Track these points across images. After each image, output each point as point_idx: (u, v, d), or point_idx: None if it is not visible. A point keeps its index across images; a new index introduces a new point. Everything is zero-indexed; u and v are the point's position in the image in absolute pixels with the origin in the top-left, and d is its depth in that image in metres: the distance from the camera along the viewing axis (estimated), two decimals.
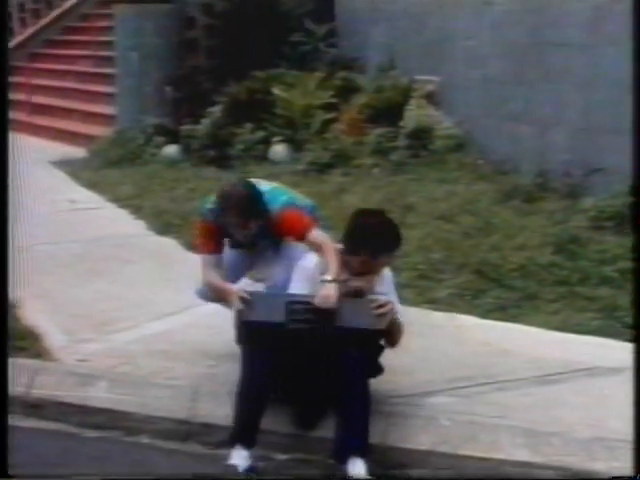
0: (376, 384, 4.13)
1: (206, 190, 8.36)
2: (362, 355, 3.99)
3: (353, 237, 4.07)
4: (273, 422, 4.15)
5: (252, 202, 4.39)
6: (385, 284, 4.23)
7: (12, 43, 14.88)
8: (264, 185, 4.60)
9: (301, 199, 4.74)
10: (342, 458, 3.84)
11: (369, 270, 4.11)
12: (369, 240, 4.03)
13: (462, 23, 8.96)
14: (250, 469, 3.89)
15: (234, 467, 3.86)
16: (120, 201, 8.33)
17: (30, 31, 15.23)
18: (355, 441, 3.84)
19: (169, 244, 6.99)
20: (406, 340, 4.22)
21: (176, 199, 8.19)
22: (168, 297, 5.82)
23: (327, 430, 4.04)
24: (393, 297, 4.20)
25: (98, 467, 4.02)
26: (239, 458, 3.89)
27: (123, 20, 11.16)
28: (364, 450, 3.83)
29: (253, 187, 4.48)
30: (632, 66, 4.83)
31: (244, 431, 3.97)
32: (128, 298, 5.82)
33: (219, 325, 4.98)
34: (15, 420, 4.55)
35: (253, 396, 4.01)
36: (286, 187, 4.79)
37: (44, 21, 15.54)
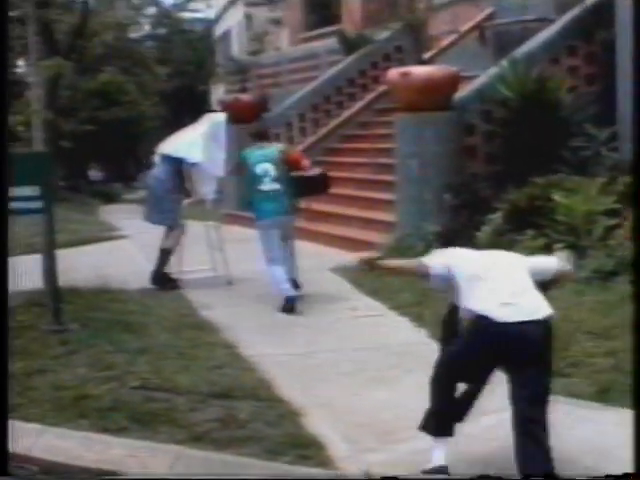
0: None
1: None
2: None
3: None
4: None
5: None
6: None
7: None
8: None
9: None
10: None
11: None
12: None
13: None
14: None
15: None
16: (401, 309, 8.48)
17: (310, 140, 15.92)
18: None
19: None
20: None
21: None
22: None
23: None
24: None
25: None
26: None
27: (403, 128, 11.45)
28: None
29: None
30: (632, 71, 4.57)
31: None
32: (410, 407, 5.88)
33: (502, 437, 4.95)
34: None
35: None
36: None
37: (324, 130, 16.22)
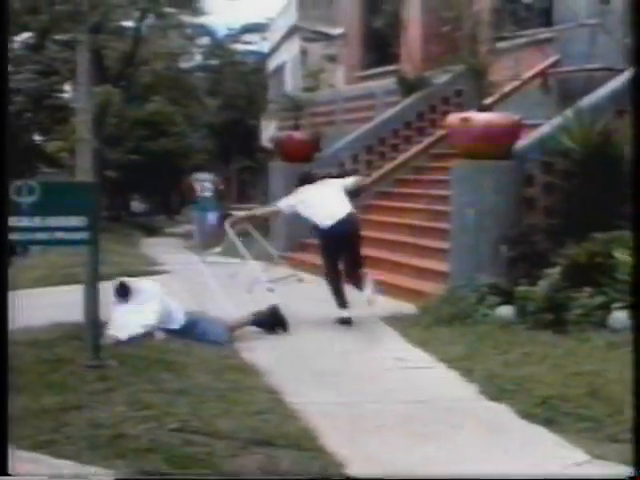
0: None
1: (542, 356, 8.43)
2: None
3: None
4: None
5: None
6: None
7: None
8: None
9: None
10: None
11: None
12: None
13: None
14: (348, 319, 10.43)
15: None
16: (450, 362, 8.49)
17: (363, 183, 15.97)
18: None
19: (502, 411, 7.04)
20: None
21: (509, 363, 8.25)
22: (500, 468, 5.86)
23: None
24: None
25: None
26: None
27: (460, 175, 11.49)
28: None
29: None
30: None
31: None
32: (457, 464, 5.92)
33: None
34: None
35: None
36: None
37: (377, 173, 16.30)
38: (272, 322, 10.01)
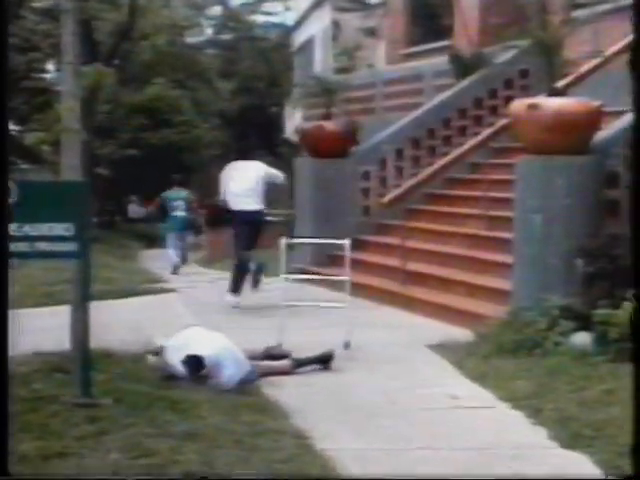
0: None
1: (626, 394, 8.38)
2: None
3: None
4: None
5: None
6: None
7: (387, 198, 15.63)
8: None
9: None
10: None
11: None
12: None
13: None
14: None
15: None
16: (514, 400, 8.48)
17: (409, 183, 15.92)
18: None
19: (578, 461, 7.01)
20: None
21: (587, 402, 8.25)
22: None
23: None
24: None
25: None
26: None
27: (527, 174, 11.44)
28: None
29: None
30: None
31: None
32: None
33: None
34: None
35: None
36: None
37: (425, 172, 16.24)
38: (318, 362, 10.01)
